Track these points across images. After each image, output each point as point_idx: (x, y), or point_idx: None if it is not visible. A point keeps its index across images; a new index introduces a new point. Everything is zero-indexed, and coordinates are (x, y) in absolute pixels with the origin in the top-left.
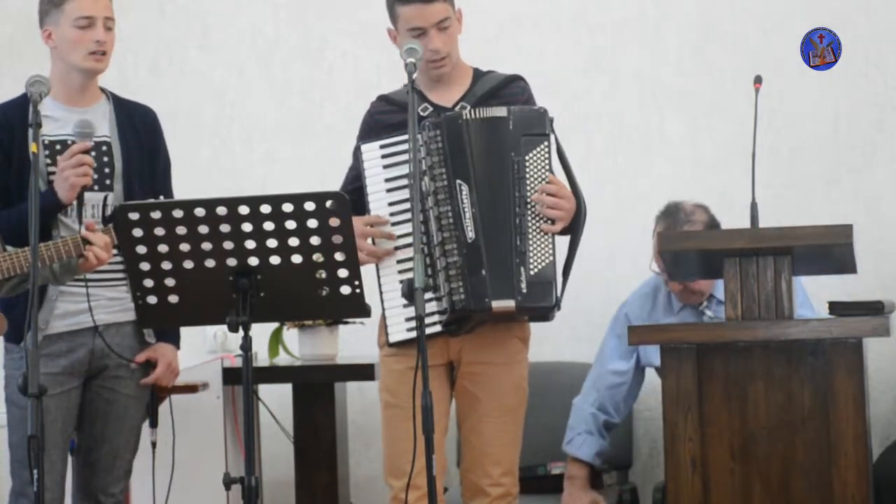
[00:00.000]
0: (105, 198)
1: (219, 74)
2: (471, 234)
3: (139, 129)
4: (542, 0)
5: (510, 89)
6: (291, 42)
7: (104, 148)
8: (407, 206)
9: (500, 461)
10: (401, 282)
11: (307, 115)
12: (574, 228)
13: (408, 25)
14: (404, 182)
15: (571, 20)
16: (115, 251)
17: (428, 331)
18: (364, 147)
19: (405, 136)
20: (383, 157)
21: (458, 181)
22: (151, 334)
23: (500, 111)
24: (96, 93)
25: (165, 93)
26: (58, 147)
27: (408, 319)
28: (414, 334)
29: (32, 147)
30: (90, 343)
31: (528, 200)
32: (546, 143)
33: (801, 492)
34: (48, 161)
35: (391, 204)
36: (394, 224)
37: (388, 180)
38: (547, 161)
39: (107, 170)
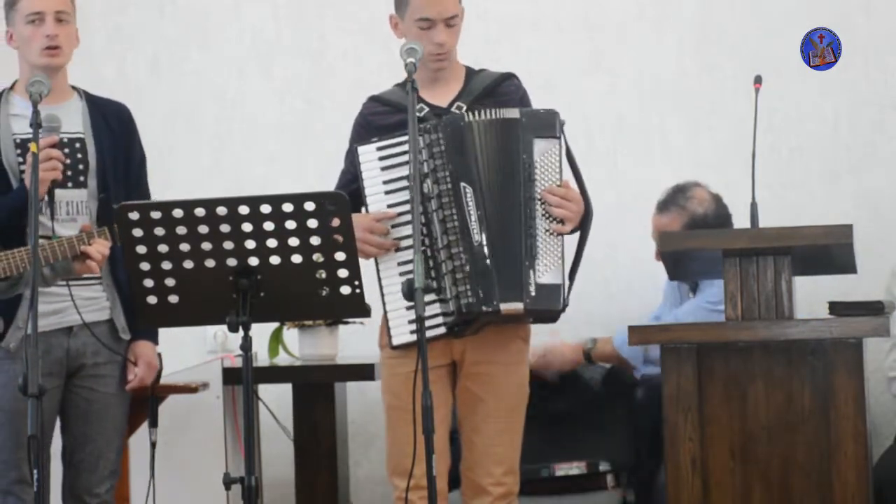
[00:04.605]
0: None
1: (219, 74)
2: (477, 238)
3: (113, 125)
4: (543, 0)
5: (504, 88)
6: (291, 42)
7: (77, 145)
8: (406, 207)
9: (502, 460)
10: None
11: (307, 115)
12: (581, 230)
13: (418, 14)
14: (403, 184)
15: (571, 20)
16: None
17: (432, 333)
18: (361, 149)
19: (403, 138)
20: (380, 158)
21: (463, 184)
22: (126, 331)
23: (513, 112)
24: (67, 90)
25: (165, 93)
26: (29, 145)
27: (410, 322)
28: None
29: (32, 147)
30: (65, 343)
31: (538, 201)
32: (557, 145)
33: (801, 492)
34: (20, 160)
35: (390, 206)
36: (394, 226)
37: (386, 182)
38: (557, 163)
39: (80, 166)
